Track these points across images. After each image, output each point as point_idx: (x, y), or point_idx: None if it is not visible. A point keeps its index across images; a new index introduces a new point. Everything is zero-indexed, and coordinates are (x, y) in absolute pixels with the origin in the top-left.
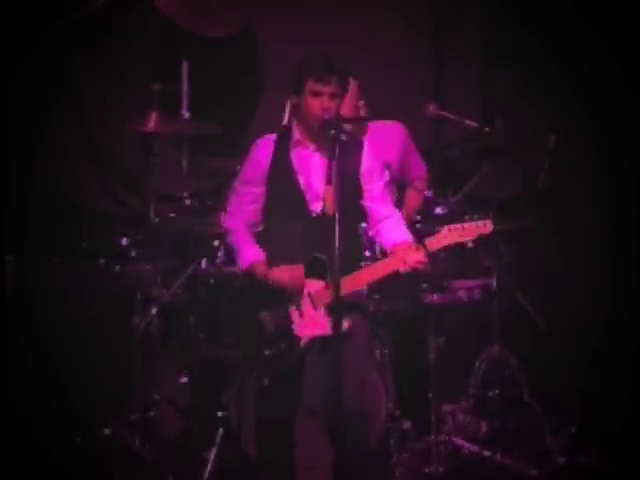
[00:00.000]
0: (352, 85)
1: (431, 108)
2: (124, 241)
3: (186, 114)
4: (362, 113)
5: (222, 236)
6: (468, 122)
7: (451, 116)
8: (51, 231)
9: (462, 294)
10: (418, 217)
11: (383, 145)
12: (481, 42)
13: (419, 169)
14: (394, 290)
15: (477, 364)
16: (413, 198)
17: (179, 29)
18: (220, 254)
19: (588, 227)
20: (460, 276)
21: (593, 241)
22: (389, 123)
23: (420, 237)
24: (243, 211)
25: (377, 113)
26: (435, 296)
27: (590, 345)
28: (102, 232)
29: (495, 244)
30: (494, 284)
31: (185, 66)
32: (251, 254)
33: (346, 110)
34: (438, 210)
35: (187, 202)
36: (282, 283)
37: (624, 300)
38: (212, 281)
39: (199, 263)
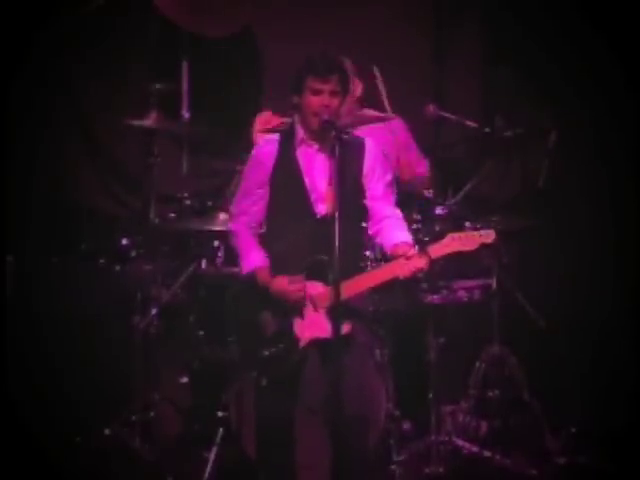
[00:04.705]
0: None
1: (431, 108)
2: (124, 241)
3: (186, 114)
4: (358, 90)
5: (222, 236)
6: (468, 122)
7: (451, 116)
8: (51, 231)
9: (462, 294)
10: (418, 217)
11: (381, 136)
12: (481, 42)
13: (420, 168)
14: (394, 290)
15: (477, 364)
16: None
17: (179, 29)
18: (220, 254)
19: (588, 227)
20: (460, 276)
21: (593, 241)
22: (390, 116)
23: (419, 238)
24: (246, 212)
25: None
26: (435, 296)
27: (590, 345)
28: (102, 232)
29: (495, 244)
30: (494, 284)
31: (185, 66)
32: (254, 259)
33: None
34: (438, 210)
35: (187, 202)
36: (282, 294)
37: (624, 300)
38: (212, 281)
39: (199, 263)
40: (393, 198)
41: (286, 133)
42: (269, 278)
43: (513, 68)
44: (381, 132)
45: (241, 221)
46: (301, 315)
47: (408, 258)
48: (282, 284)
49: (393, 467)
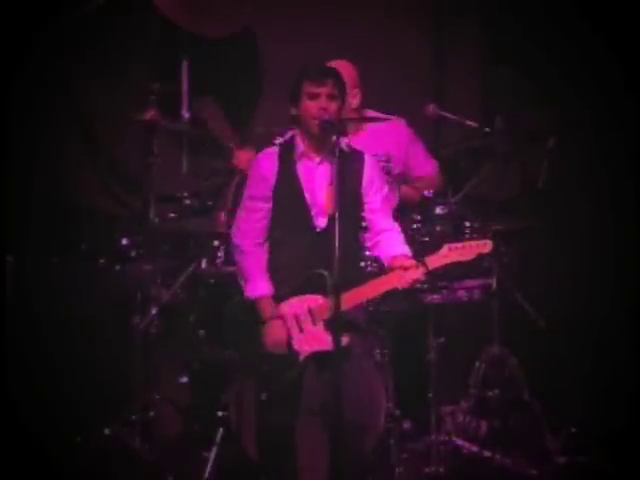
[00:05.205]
0: (349, 71)
1: (431, 108)
2: (124, 241)
3: (186, 114)
4: (356, 101)
5: (222, 236)
6: (468, 122)
7: (451, 116)
8: (51, 231)
9: (462, 294)
10: (418, 217)
11: (384, 137)
12: (481, 42)
13: (425, 169)
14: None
15: (477, 364)
16: (406, 193)
17: (179, 29)
18: (220, 254)
19: (588, 227)
20: (460, 276)
21: (593, 241)
22: (393, 118)
23: (418, 239)
24: (253, 228)
25: (377, 112)
26: (435, 296)
27: (590, 345)
28: (102, 232)
29: (495, 244)
30: (494, 284)
31: (185, 66)
32: (260, 287)
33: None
34: (438, 210)
35: (187, 202)
36: (276, 338)
37: (624, 300)
38: (212, 281)
39: (199, 263)
40: (391, 211)
41: (285, 146)
42: (269, 311)
43: (513, 68)
44: (384, 133)
45: (247, 236)
46: (300, 329)
47: (406, 269)
48: (279, 329)
49: (393, 466)
